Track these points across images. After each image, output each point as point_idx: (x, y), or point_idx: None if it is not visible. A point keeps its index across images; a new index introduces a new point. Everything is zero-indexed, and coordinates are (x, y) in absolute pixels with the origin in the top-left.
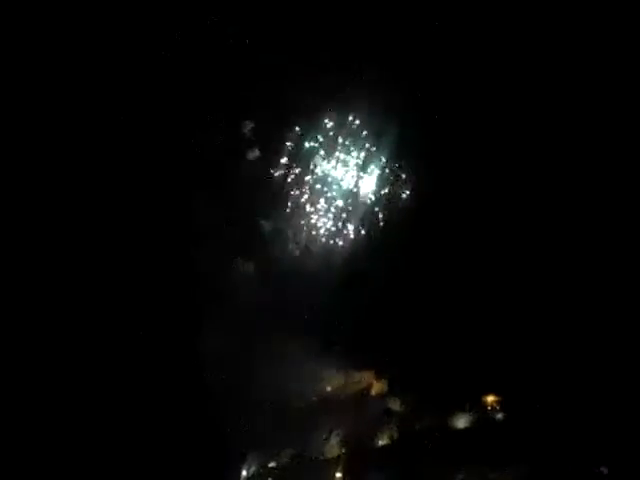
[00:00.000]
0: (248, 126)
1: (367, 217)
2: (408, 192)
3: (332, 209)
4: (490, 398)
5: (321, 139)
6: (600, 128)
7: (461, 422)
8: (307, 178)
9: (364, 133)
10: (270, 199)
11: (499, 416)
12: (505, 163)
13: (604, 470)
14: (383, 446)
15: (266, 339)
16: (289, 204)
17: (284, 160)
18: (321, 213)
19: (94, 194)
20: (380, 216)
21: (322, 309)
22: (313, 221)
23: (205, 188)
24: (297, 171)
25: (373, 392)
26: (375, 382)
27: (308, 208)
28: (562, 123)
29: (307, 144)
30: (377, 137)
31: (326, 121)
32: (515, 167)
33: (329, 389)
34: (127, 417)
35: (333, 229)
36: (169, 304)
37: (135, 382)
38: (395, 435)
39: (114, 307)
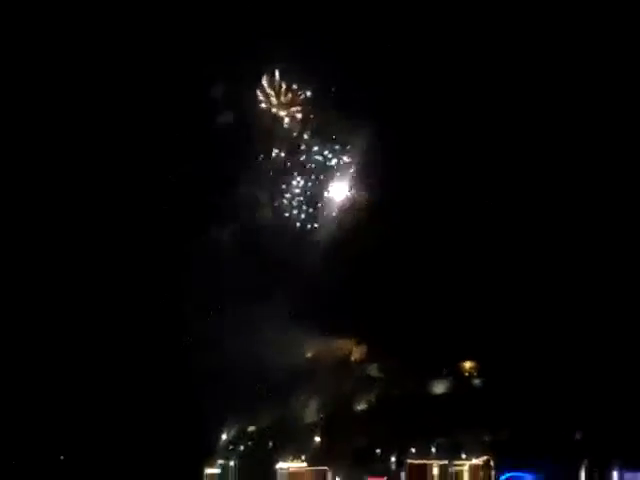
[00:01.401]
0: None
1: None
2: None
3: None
4: (468, 364)
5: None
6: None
7: (439, 388)
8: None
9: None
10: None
11: (477, 382)
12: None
13: (578, 436)
14: (362, 411)
15: (244, 305)
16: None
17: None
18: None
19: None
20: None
21: (302, 275)
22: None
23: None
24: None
25: (353, 358)
26: (355, 348)
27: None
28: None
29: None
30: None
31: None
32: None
33: (309, 355)
34: (107, 386)
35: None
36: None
37: (113, 352)
38: (374, 400)
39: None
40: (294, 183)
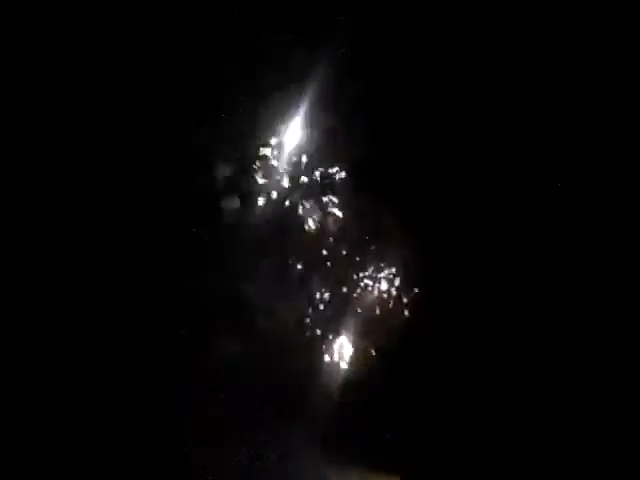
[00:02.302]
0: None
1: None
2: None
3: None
4: None
5: None
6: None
7: None
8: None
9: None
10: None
11: None
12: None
13: None
14: None
15: (258, 426)
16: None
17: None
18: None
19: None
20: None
21: (330, 392)
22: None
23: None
24: None
25: None
26: None
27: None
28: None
29: None
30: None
31: None
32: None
33: None
34: None
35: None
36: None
37: None
38: None
39: None
40: (317, 297)
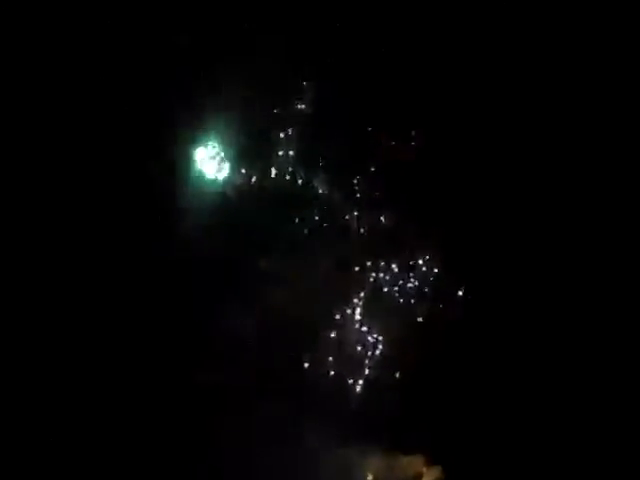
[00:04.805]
0: None
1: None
2: None
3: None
4: None
5: None
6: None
7: None
8: None
9: None
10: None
11: None
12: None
13: None
14: None
15: (291, 415)
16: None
17: None
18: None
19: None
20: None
21: (362, 378)
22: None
23: None
24: None
25: None
26: (427, 469)
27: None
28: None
29: None
30: None
31: None
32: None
33: (370, 478)
34: None
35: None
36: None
37: None
38: None
39: None
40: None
